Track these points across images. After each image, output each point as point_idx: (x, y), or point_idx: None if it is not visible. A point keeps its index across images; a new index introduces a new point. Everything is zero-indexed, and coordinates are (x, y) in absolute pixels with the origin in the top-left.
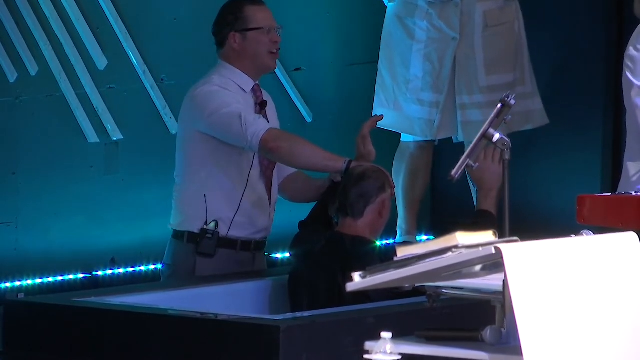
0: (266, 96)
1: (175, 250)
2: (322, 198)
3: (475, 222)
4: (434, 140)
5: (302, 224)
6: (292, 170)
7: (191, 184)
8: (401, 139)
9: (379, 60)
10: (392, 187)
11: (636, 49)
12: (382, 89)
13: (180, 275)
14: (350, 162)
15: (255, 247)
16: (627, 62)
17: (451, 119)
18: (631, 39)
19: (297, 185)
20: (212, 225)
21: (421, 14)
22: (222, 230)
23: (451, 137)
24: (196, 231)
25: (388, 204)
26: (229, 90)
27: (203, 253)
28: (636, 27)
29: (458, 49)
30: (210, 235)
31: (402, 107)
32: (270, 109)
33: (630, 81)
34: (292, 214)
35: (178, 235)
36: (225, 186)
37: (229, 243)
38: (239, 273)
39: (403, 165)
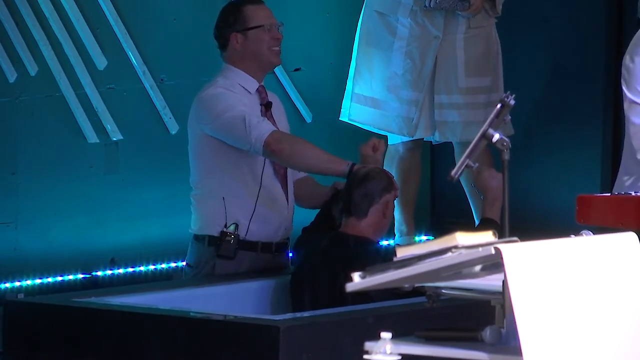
0: (272, 97)
1: (197, 252)
2: (325, 206)
3: (479, 231)
4: (422, 140)
5: (305, 230)
6: (302, 174)
7: (207, 188)
8: (388, 143)
9: (356, 57)
10: (396, 188)
11: (632, 60)
12: (359, 85)
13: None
14: (353, 165)
15: (277, 249)
16: (623, 71)
17: (430, 118)
18: (629, 46)
19: (305, 190)
20: (232, 227)
21: (405, 11)
22: (242, 233)
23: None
24: (216, 234)
25: (392, 205)
26: (233, 92)
27: (223, 255)
28: (636, 27)
29: (440, 48)
30: (229, 238)
31: (381, 104)
32: (278, 110)
33: (625, 93)
34: (297, 216)
35: (199, 238)
36: (240, 188)
37: (250, 245)
38: (241, 273)
39: (393, 168)
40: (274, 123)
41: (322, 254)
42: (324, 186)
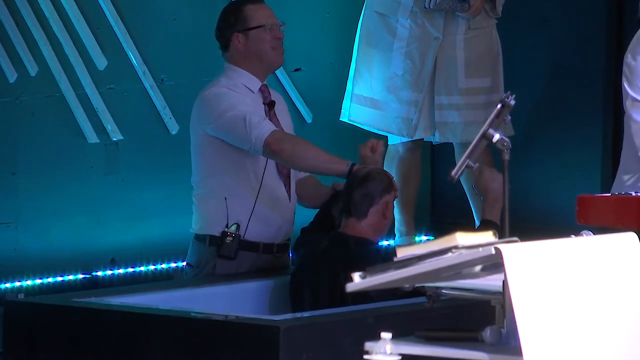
0: (275, 96)
1: (198, 252)
2: (324, 206)
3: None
4: (422, 140)
5: (304, 231)
6: (305, 173)
7: (209, 188)
8: (389, 143)
9: (356, 57)
10: (396, 189)
11: (634, 58)
12: (359, 86)
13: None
14: (353, 165)
15: (278, 250)
16: (625, 69)
17: (430, 119)
18: (631, 44)
19: (308, 190)
20: (233, 227)
21: (405, 12)
22: (243, 233)
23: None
24: (217, 234)
25: (391, 205)
26: (236, 91)
27: (223, 255)
28: (636, 27)
29: (440, 49)
30: (230, 238)
31: (381, 105)
32: (281, 108)
33: (626, 91)
34: (298, 216)
35: (200, 238)
36: (242, 188)
37: (251, 246)
38: (242, 273)
39: (393, 169)
40: (278, 122)
41: (322, 255)
42: (326, 186)
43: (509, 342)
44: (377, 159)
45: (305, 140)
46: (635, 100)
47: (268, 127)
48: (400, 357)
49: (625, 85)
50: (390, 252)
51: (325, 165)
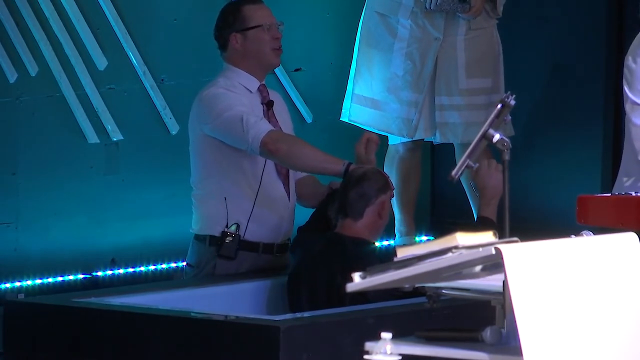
0: (273, 96)
1: (198, 252)
2: (321, 205)
3: (476, 229)
4: (422, 140)
5: (300, 230)
6: (303, 173)
7: (208, 188)
8: (389, 143)
9: (356, 58)
10: (392, 188)
11: (635, 61)
12: (359, 86)
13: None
14: (349, 164)
15: (278, 249)
16: (625, 71)
17: (430, 119)
18: (631, 46)
19: (307, 189)
20: (233, 228)
21: (405, 12)
22: (243, 233)
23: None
24: (217, 234)
25: (387, 205)
26: (234, 92)
27: (223, 255)
28: (637, 27)
29: (440, 50)
30: (230, 238)
31: (381, 105)
32: (280, 108)
33: (626, 94)
34: (298, 216)
35: (200, 238)
36: (241, 188)
37: (251, 246)
38: (242, 273)
39: (393, 169)
40: (276, 122)
41: (319, 255)
42: (325, 185)
43: (509, 342)
44: (370, 158)
45: (302, 140)
46: (635, 103)
47: (265, 127)
48: (400, 357)
49: (626, 88)
50: (388, 251)
51: (322, 164)
